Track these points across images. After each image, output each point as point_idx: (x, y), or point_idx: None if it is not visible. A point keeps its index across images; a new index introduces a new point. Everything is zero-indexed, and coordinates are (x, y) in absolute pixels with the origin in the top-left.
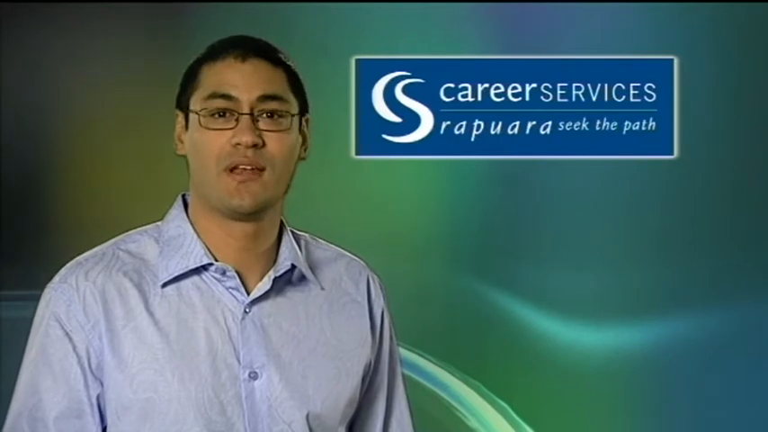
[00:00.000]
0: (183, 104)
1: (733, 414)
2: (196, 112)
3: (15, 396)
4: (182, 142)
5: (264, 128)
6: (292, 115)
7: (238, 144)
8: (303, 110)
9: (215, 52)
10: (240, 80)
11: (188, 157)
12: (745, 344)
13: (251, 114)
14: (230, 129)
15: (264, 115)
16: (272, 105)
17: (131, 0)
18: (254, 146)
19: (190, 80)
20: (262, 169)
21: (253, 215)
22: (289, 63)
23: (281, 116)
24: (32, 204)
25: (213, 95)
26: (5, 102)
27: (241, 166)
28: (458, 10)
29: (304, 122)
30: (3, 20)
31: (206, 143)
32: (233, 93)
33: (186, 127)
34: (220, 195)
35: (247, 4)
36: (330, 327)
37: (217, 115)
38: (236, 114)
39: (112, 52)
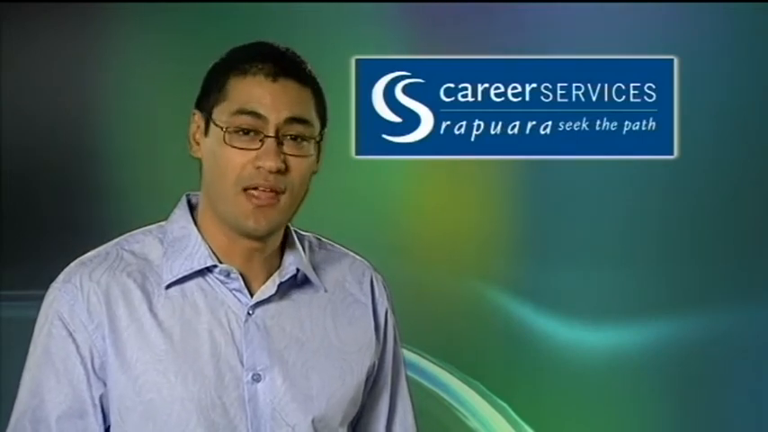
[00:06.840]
0: (204, 108)
1: (734, 413)
2: (221, 127)
3: (19, 397)
4: (197, 144)
5: (288, 152)
6: (315, 141)
7: (261, 167)
8: (323, 126)
9: (244, 64)
10: (269, 100)
11: (203, 163)
12: (746, 343)
13: (276, 137)
14: (254, 149)
15: (289, 138)
16: (298, 129)
17: (133, 0)
18: (278, 171)
19: (214, 87)
20: (280, 192)
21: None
22: (315, 78)
23: (304, 140)
24: (33, 204)
25: (241, 111)
26: (5, 102)
27: (260, 189)
28: (457, 10)
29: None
30: (3, 20)
31: (228, 160)
32: (261, 111)
33: (206, 132)
34: (235, 216)
35: (248, 4)
36: (334, 328)
37: (241, 133)
38: (261, 135)
39: (113, 52)
